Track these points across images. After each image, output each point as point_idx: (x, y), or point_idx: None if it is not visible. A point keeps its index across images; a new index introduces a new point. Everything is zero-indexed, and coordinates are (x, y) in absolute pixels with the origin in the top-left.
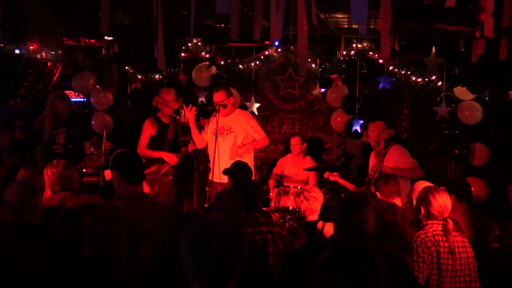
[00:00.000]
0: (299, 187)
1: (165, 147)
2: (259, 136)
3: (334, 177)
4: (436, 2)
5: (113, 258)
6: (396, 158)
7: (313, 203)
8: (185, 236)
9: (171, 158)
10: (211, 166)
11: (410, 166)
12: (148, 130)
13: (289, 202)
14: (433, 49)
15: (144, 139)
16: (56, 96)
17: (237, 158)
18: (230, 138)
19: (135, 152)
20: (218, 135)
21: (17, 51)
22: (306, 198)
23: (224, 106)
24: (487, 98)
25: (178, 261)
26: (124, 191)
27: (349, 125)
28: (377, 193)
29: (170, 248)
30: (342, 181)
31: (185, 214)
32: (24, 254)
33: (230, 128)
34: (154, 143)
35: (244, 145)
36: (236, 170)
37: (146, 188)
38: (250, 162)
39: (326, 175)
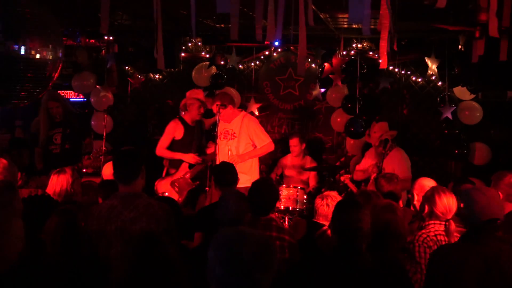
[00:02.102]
0: (298, 187)
1: (192, 151)
2: (261, 143)
3: (347, 179)
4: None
5: (107, 258)
6: (396, 163)
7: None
8: (216, 245)
9: (191, 158)
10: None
11: (402, 177)
12: (172, 132)
13: (289, 202)
14: (433, 49)
15: (166, 140)
16: (49, 97)
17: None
18: (233, 143)
19: (134, 151)
20: (223, 139)
21: (17, 51)
22: (328, 205)
23: (224, 106)
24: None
25: (170, 262)
26: (121, 190)
27: (349, 125)
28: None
29: (164, 248)
30: (350, 184)
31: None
32: None
33: (234, 132)
34: (179, 148)
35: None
36: (220, 171)
37: (175, 196)
38: (255, 166)
39: (342, 178)
